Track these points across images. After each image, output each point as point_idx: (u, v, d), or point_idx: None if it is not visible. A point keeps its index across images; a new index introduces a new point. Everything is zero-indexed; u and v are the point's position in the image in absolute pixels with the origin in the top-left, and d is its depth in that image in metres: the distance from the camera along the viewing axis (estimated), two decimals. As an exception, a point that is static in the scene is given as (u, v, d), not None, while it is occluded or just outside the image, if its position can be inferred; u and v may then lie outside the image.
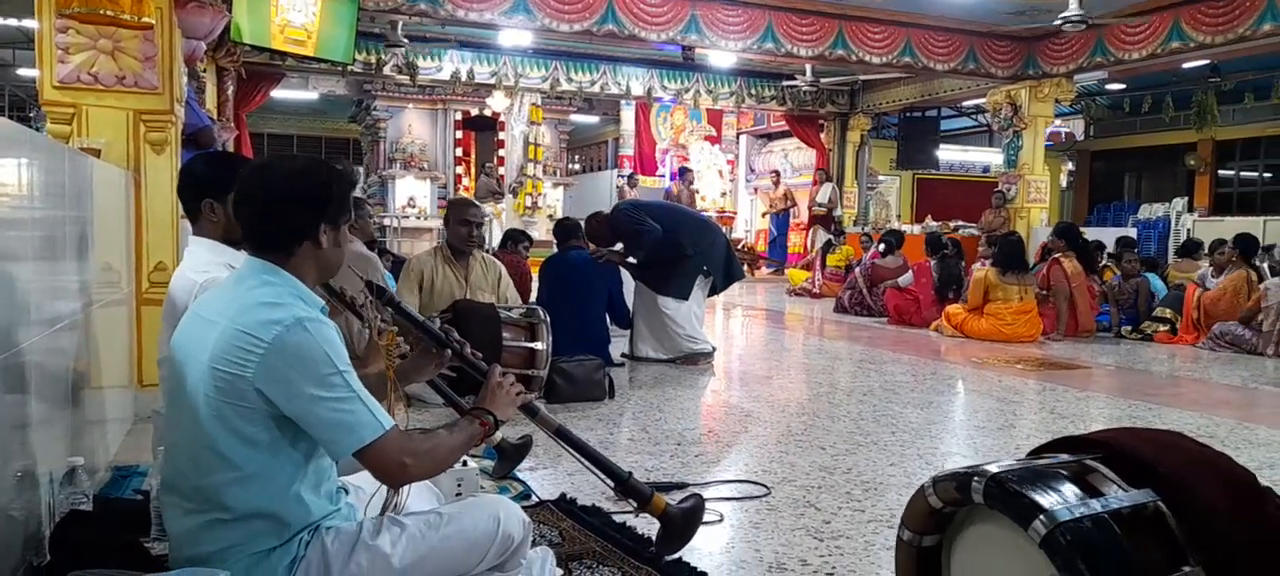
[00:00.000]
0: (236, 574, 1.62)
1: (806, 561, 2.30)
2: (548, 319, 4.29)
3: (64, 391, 2.40)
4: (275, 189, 1.71)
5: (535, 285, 5.81)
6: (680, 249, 5.48)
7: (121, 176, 3.52)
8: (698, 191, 14.45)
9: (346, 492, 1.90)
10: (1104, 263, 8.37)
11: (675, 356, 5.55)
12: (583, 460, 2.10)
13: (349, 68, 10.96)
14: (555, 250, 5.67)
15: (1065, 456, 1.60)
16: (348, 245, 1.81)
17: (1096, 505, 1.40)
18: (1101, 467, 1.52)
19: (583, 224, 5.70)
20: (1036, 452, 1.68)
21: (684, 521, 2.16)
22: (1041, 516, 1.36)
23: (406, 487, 1.93)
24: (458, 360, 2.07)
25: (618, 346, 5.48)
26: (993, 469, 1.47)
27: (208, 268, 2.21)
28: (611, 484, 2.12)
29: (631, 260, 5.55)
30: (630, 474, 2.13)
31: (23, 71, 14.52)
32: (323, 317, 1.67)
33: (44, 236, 2.24)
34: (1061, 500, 1.40)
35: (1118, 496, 1.44)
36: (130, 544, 1.94)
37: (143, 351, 3.62)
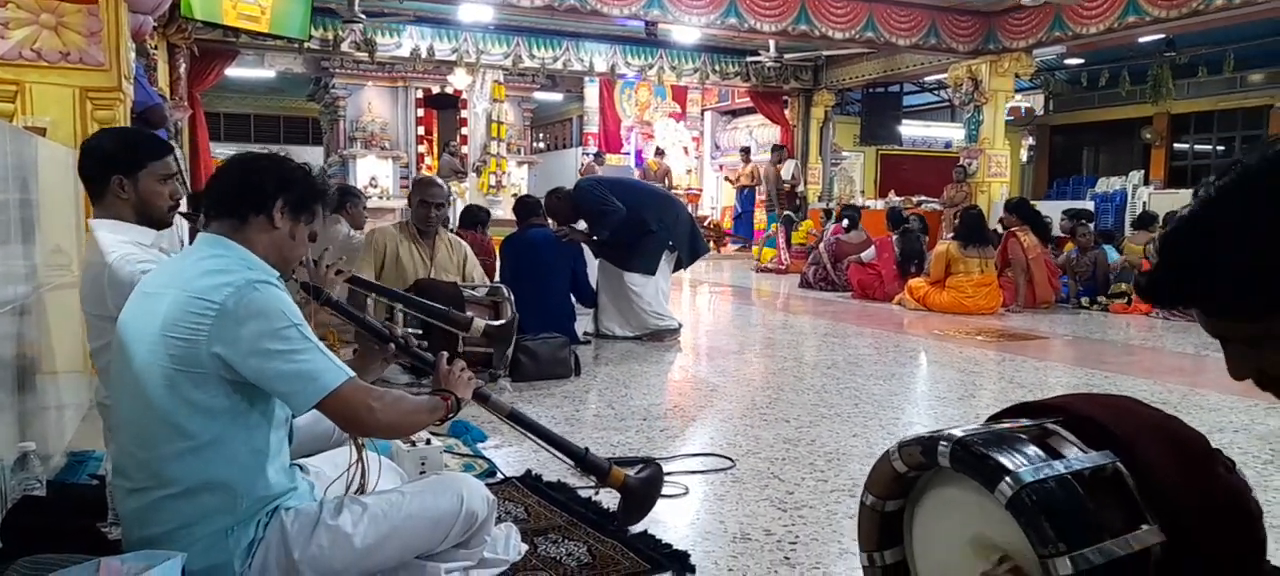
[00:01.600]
0: (193, 558, 1.59)
1: (770, 531, 2.31)
2: (511, 297, 4.26)
3: (13, 376, 2.33)
4: (250, 159, 1.76)
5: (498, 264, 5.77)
6: (645, 225, 5.46)
7: (68, 155, 3.41)
8: (669, 170, 14.45)
9: (304, 470, 1.87)
10: (1059, 235, 8.51)
11: (641, 333, 5.54)
12: (538, 441, 2.10)
13: (305, 44, 10.75)
14: (515, 229, 5.61)
15: (1026, 421, 1.62)
16: (305, 248, 1.81)
17: (1059, 466, 1.42)
18: (1061, 430, 1.54)
19: (542, 202, 5.64)
20: (996, 417, 1.70)
21: (643, 491, 2.17)
22: (1007, 477, 1.37)
23: (375, 468, 1.91)
24: (402, 354, 2.05)
25: (582, 325, 5.46)
26: (958, 432, 1.48)
27: (129, 248, 2.12)
28: (569, 461, 2.12)
29: (595, 238, 5.52)
30: (587, 449, 2.13)
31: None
32: (275, 281, 1.66)
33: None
34: (1026, 461, 1.42)
35: (1078, 458, 1.46)
36: (85, 528, 1.89)
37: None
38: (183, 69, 10.00)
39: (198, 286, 1.59)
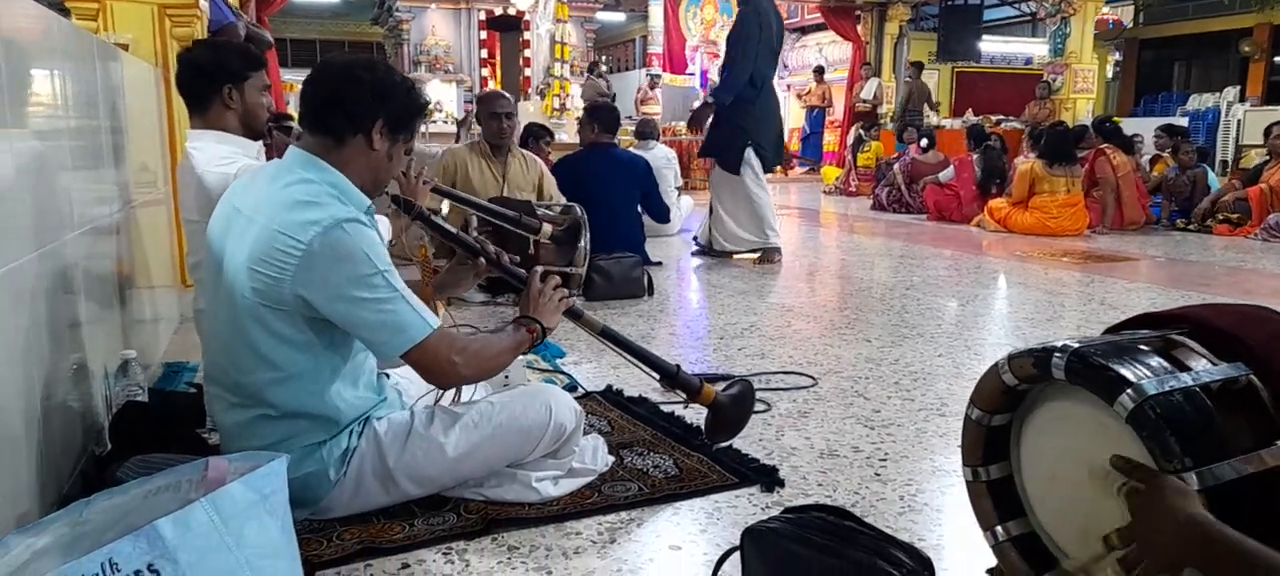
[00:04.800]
0: (290, 466, 1.62)
1: (858, 448, 2.27)
2: (586, 216, 4.22)
3: (111, 291, 2.39)
4: (349, 72, 1.65)
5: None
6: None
7: (151, 73, 3.45)
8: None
9: (387, 376, 1.89)
10: (1155, 154, 8.09)
11: (762, 248, 5.37)
12: (629, 358, 2.07)
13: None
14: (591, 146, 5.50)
15: (1147, 332, 1.52)
16: (399, 166, 1.75)
17: (1186, 378, 1.33)
18: (1187, 341, 1.45)
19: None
20: (1114, 329, 1.61)
21: (734, 408, 2.13)
22: (1129, 390, 1.29)
23: (466, 390, 1.92)
24: (495, 269, 2.02)
25: (655, 246, 5.41)
26: (1074, 343, 1.40)
27: (231, 159, 2.14)
28: (659, 377, 2.08)
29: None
30: (679, 367, 2.09)
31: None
32: (363, 218, 1.60)
33: (81, 137, 2.19)
34: (1149, 373, 1.33)
35: (1207, 369, 1.37)
36: (186, 433, 1.95)
37: (183, 251, 3.62)
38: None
39: (285, 220, 1.54)
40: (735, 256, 5.44)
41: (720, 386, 2.13)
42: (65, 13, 3.43)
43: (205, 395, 1.76)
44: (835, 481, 2.04)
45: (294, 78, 14.87)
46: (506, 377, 2.48)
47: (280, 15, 13.11)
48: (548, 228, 3.55)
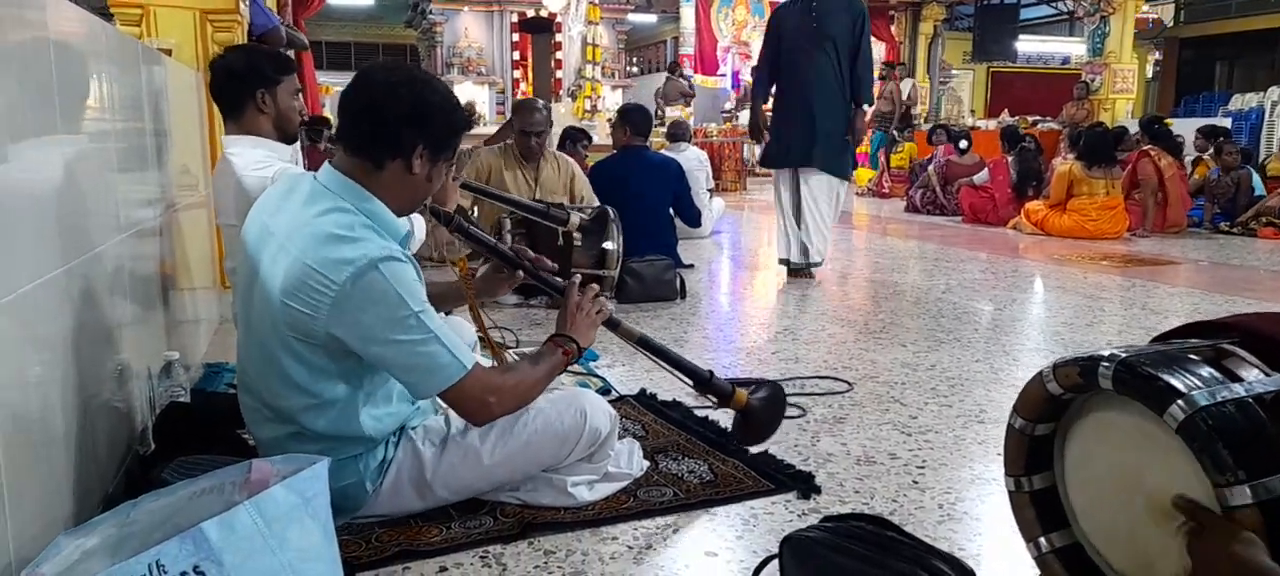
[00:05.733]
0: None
1: (895, 455, 2.24)
2: (618, 218, 4.22)
3: (154, 292, 2.43)
4: (388, 86, 1.57)
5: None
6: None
7: (193, 77, 3.51)
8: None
9: None
10: (1197, 155, 7.94)
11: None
12: (664, 364, 2.06)
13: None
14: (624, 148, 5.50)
15: (1197, 341, 1.49)
16: (439, 185, 1.68)
17: (1238, 389, 1.30)
18: (1239, 350, 1.41)
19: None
20: (1162, 338, 1.57)
21: (765, 412, 2.11)
22: (1179, 401, 1.26)
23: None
24: (531, 278, 2.01)
25: (687, 248, 5.40)
26: (1121, 352, 1.37)
27: (267, 162, 2.17)
28: (691, 383, 2.08)
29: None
30: (712, 372, 2.08)
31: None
32: (398, 253, 1.56)
33: (125, 140, 2.23)
34: (1199, 383, 1.30)
35: (1260, 380, 1.34)
36: (228, 434, 1.97)
37: (222, 254, 3.67)
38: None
39: (319, 256, 1.50)
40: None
41: (752, 388, 2.12)
42: (109, 17, 3.50)
43: (240, 402, 1.77)
44: (872, 488, 2.02)
45: (329, 80, 15.08)
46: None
47: (315, 18, 13.25)
48: (576, 218, 3.59)
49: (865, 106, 5.00)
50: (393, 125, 1.56)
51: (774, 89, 5.08)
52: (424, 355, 1.55)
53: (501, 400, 1.67)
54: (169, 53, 3.24)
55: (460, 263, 2.08)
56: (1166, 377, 1.31)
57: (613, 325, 1.96)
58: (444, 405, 1.92)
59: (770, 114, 5.19)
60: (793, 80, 4.91)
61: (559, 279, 1.98)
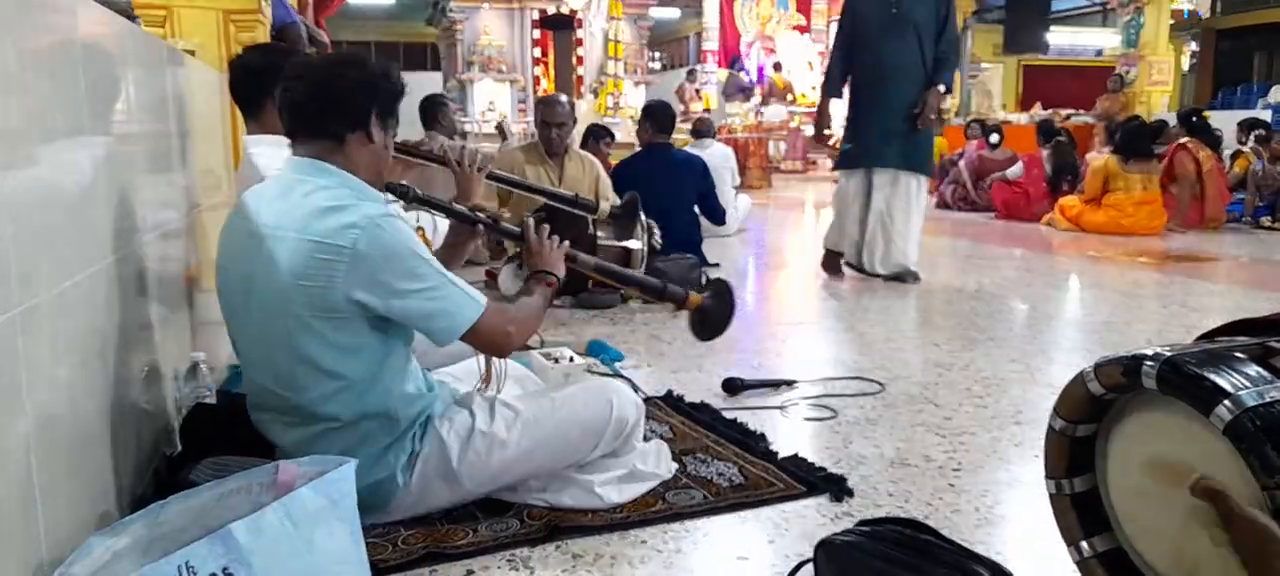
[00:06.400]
0: (358, 476, 1.62)
1: (930, 457, 2.20)
2: (644, 216, 4.19)
3: (180, 293, 2.45)
4: (331, 70, 1.65)
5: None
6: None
7: (216, 78, 3.53)
8: (790, 84, 13.94)
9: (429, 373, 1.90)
10: (1236, 149, 7.76)
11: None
12: (625, 287, 2.19)
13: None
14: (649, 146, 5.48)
15: (1244, 338, 1.43)
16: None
17: (1289, 388, 1.25)
18: (1289, 348, 1.36)
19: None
20: (1208, 336, 1.52)
21: (717, 309, 2.20)
22: (1226, 401, 1.22)
23: (503, 369, 1.93)
24: (491, 232, 2.05)
25: (712, 247, 5.36)
26: (1166, 351, 1.32)
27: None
28: (650, 295, 2.26)
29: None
30: (665, 283, 2.22)
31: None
32: (392, 210, 1.63)
33: (150, 141, 2.24)
34: (1247, 383, 1.25)
35: (1312, 379, 1.28)
36: (253, 435, 1.97)
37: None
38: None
39: (318, 229, 1.53)
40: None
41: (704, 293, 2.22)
42: (133, 18, 3.53)
43: (255, 422, 1.77)
44: (907, 491, 1.98)
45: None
46: (567, 380, 2.48)
47: (336, 17, 13.34)
48: (605, 206, 3.59)
49: (941, 87, 4.51)
50: (345, 98, 1.63)
51: (847, 82, 4.67)
52: (442, 298, 1.60)
53: (519, 328, 1.75)
54: (192, 53, 3.26)
55: (418, 234, 2.07)
56: (1213, 377, 1.26)
57: (571, 259, 1.99)
58: (462, 399, 1.93)
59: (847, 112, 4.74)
60: (871, 72, 4.50)
61: (515, 228, 1.99)
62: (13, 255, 1.16)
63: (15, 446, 1.16)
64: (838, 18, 15.94)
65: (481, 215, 2.05)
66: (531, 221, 1.95)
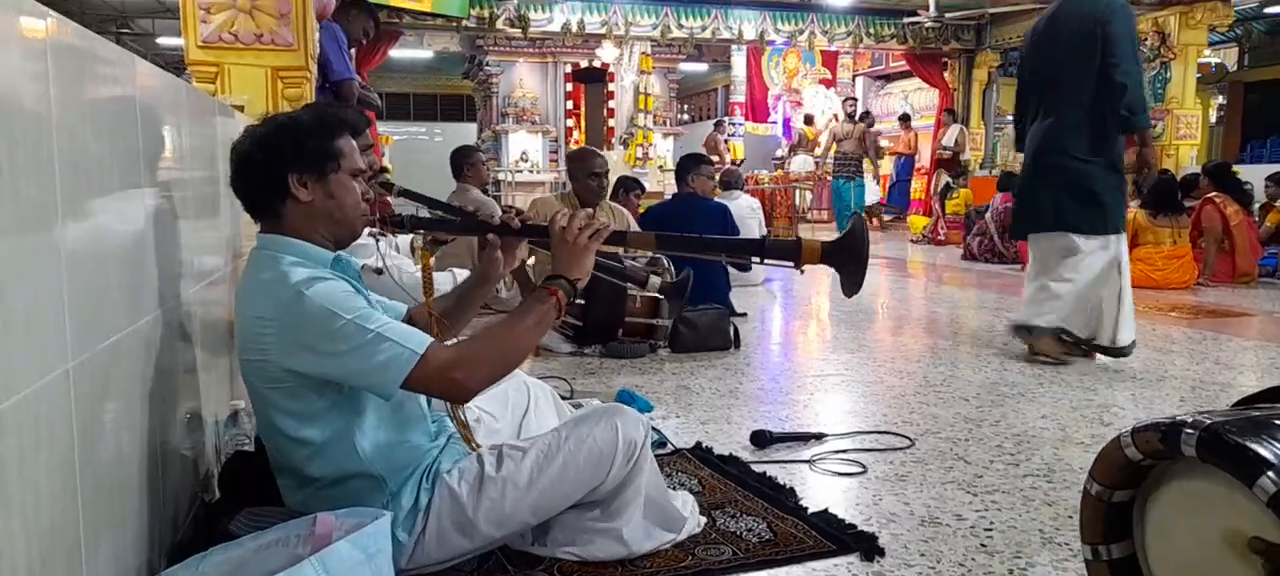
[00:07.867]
0: None
1: (961, 516, 2.17)
2: (672, 268, 4.23)
3: (221, 340, 2.49)
4: (242, 151, 1.66)
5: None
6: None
7: (263, 132, 3.63)
8: (818, 132, 14.05)
9: (438, 425, 1.89)
10: (1266, 202, 7.69)
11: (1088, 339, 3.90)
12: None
13: (463, 23, 11.13)
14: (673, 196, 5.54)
15: (1285, 406, 1.42)
16: (352, 191, 1.68)
17: (1334, 460, 1.23)
18: (1333, 418, 1.34)
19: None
20: (1247, 401, 1.51)
21: (855, 243, 1.78)
22: (1270, 472, 1.21)
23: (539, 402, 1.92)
24: (511, 234, 1.89)
25: (739, 296, 5.37)
26: (1206, 419, 1.31)
27: None
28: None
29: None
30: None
31: (162, 40, 15.38)
32: (327, 274, 1.59)
33: (197, 192, 2.31)
34: (1291, 454, 1.24)
35: (1357, 450, 1.27)
36: (290, 483, 1.99)
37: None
38: (351, 50, 10.51)
39: (255, 304, 1.59)
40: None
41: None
42: (182, 72, 3.65)
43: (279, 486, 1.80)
44: (938, 551, 1.96)
45: (387, 130, 15.47)
46: (580, 404, 2.50)
47: (377, 71, 13.66)
48: (656, 280, 3.43)
49: (1137, 130, 3.81)
50: (259, 178, 1.64)
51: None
52: (370, 354, 1.51)
53: (475, 369, 1.57)
54: (241, 108, 3.36)
55: (424, 256, 2.01)
56: (1255, 447, 1.25)
57: (620, 239, 1.90)
58: (495, 432, 1.94)
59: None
60: (1034, 123, 4.00)
61: (542, 224, 1.83)
62: (68, 309, 1.20)
63: (66, 499, 1.19)
64: (860, 72, 15.95)
65: (498, 220, 1.91)
66: (562, 216, 1.76)
